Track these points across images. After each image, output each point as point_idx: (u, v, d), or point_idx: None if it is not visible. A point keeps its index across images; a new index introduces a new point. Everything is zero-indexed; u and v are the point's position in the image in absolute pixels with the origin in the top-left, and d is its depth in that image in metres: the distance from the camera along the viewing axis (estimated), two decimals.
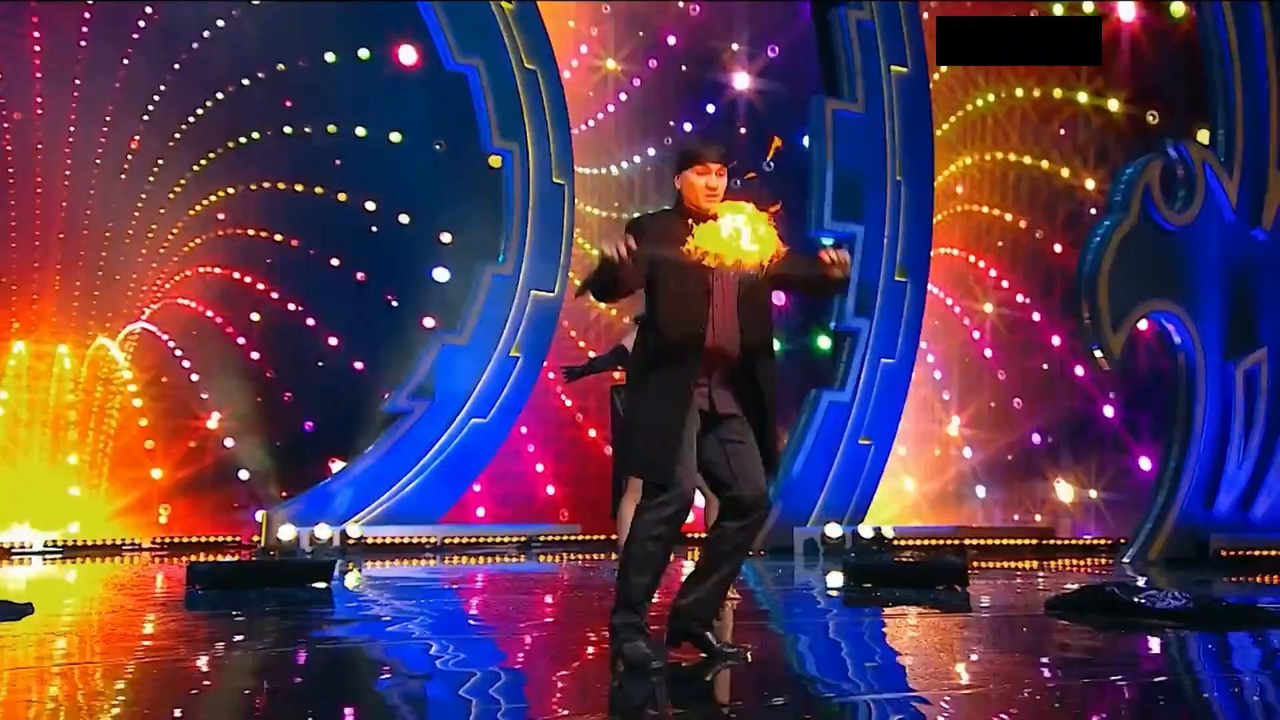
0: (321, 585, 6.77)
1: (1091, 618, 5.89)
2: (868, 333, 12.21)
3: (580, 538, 12.92)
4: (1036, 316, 13.25)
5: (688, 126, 14.35)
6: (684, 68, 14.44)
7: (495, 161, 12.48)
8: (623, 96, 14.28)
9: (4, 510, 11.52)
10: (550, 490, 13.73)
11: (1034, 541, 12.64)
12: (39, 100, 12.31)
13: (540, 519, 13.22)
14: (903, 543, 11.88)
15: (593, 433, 13.79)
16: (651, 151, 14.42)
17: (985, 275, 13.64)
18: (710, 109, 14.50)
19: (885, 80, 12.41)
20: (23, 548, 11.23)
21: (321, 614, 6.33)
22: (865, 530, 11.68)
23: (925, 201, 12.73)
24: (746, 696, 3.95)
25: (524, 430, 13.14)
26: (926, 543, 12.10)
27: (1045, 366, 13.29)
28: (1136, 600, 6.07)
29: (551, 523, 13.19)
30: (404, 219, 13.41)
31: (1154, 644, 5.34)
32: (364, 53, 13.36)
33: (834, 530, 11.45)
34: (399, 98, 13.09)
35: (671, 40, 14.45)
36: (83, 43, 12.41)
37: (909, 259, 12.49)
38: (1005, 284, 13.52)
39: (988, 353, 13.68)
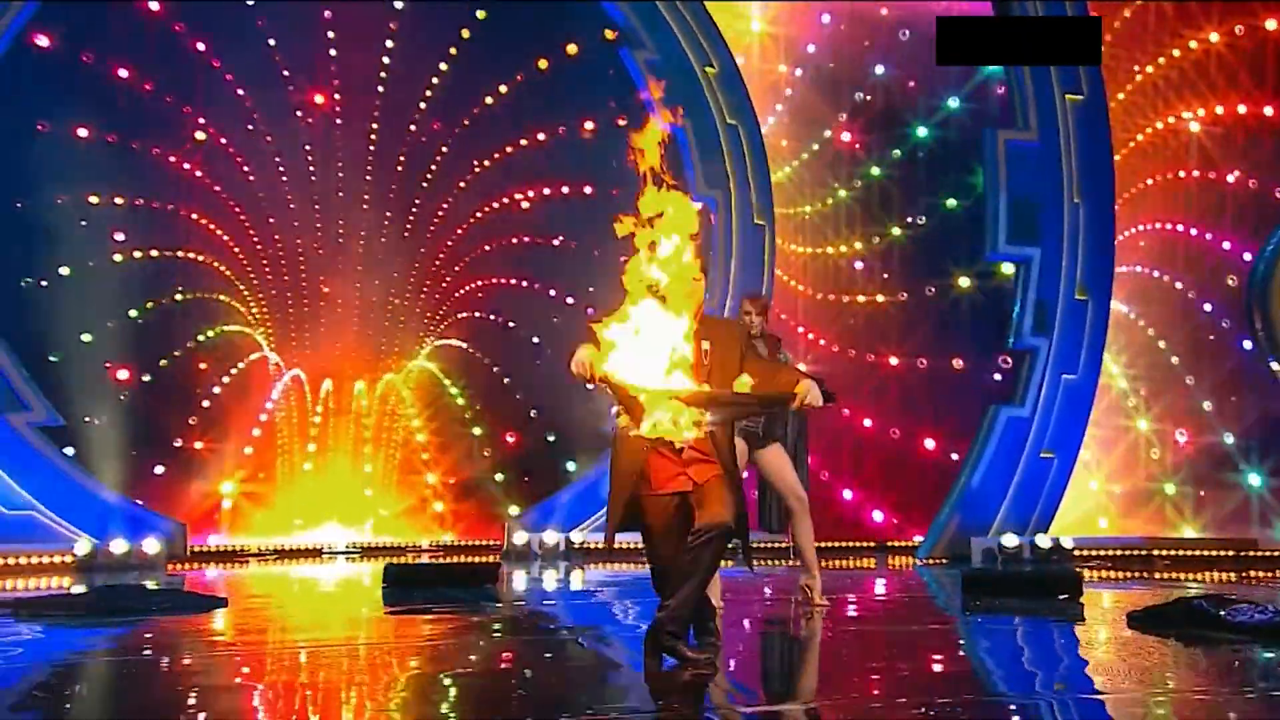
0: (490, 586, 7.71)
1: (1170, 631, 5.78)
2: (1047, 350, 12.06)
3: (784, 544, 13.38)
4: (1226, 324, 12.58)
5: (875, 170, 14.60)
6: (872, 117, 14.67)
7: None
8: (815, 147, 14.70)
9: (319, 510, 13.50)
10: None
11: (1231, 553, 11.97)
12: (339, 166, 14.23)
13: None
14: (1084, 553, 11.62)
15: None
16: (842, 193, 14.73)
17: (1171, 287, 13.07)
18: (896, 154, 14.68)
19: (1060, 108, 12.23)
20: (330, 549, 13.06)
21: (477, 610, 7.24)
22: (1043, 541, 11.53)
23: (1106, 221, 12.45)
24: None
25: None
26: (1110, 553, 11.76)
27: (1236, 368, 12.63)
28: (1220, 614, 5.94)
29: (754, 530, 13.68)
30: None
31: (1209, 658, 5.27)
32: (623, 121, 14.36)
33: (1010, 540, 11.39)
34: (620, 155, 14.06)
35: (859, 96, 14.72)
36: (376, 101, 14.26)
37: (1090, 278, 12.24)
38: (1191, 294, 12.91)
39: (1174, 360, 13.12)
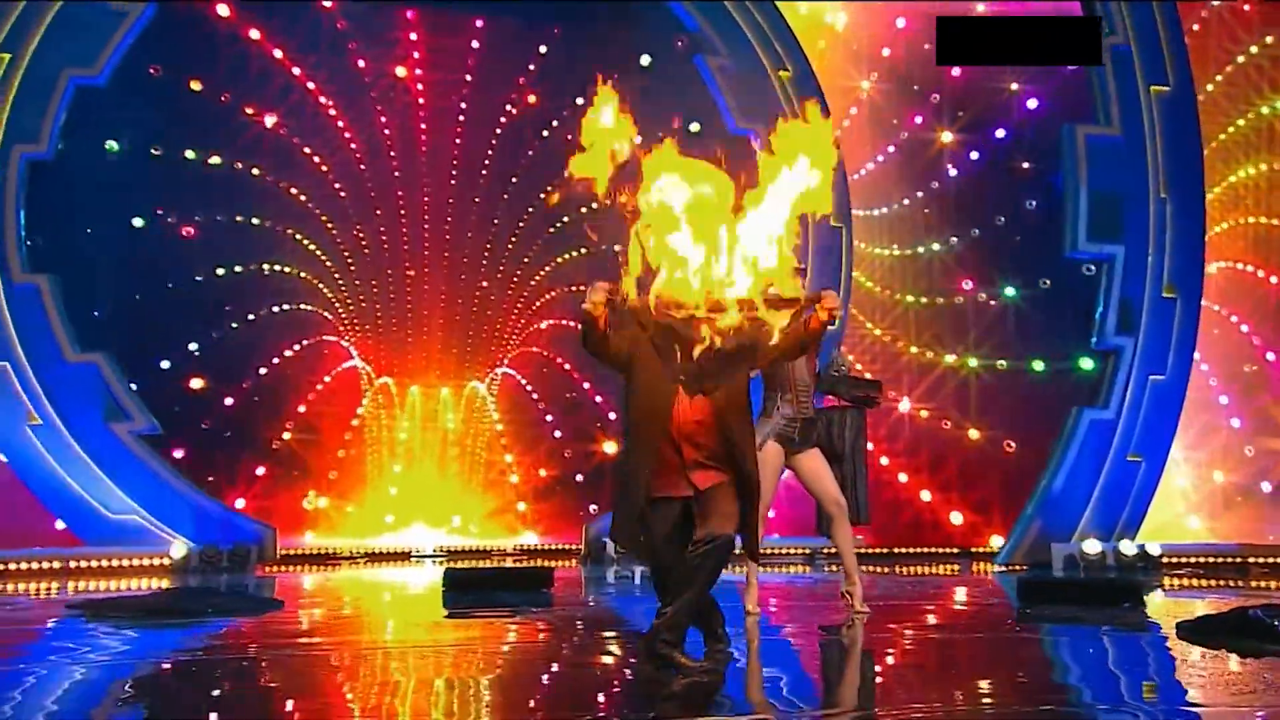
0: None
1: (1219, 641, 5.54)
2: (1132, 350, 11.60)
3: (866, 550, 13.20)
4: None
5: (953, 172, 14.28)
6: (960, 113, 14.33)
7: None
8: (891, 148, 14.46)
9: (408, 511, 13.88)
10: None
11: None
12: (424, 179, 14.59)
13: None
14: (1172, 560, 11.16)
15: (869, 445, 14.02)
16: (919, 194, 14.45)
17: (1265, 282, 12.43)
18: (974, 155, 14.32)
19: (1144, 101, 11.76)
20: (418, 552, 13.39)
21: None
22: (1128, 547, 11.11)
23: (1195, 216, 11.91)
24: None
25: None
26: (1201, 560, 11.26)
27: None
28: (1275, 624, 5.71)
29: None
30: None
31: (1243, 668, 5.05)
32: (695, 126, 14.43)
33: (1093, 546, 11.01)
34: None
35: (935, 99, 14.41)
36: (460, 116, 14.59)
37: (1178, 275, 11.73)
38: None
39: (1270, 356, 12.47)
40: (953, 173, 14.30)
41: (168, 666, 4.98)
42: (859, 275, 13.81)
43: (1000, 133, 14.12)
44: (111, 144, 12.79)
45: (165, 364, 12.92)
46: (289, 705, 4.39)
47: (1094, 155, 11.64)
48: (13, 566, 11.08)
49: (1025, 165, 13.75)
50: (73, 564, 11.16)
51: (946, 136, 14.32)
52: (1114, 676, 5.05)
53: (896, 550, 13.26)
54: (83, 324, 11.96)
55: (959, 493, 13.69)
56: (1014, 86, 13.90)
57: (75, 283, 11.92)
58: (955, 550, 13.35)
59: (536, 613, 7.08)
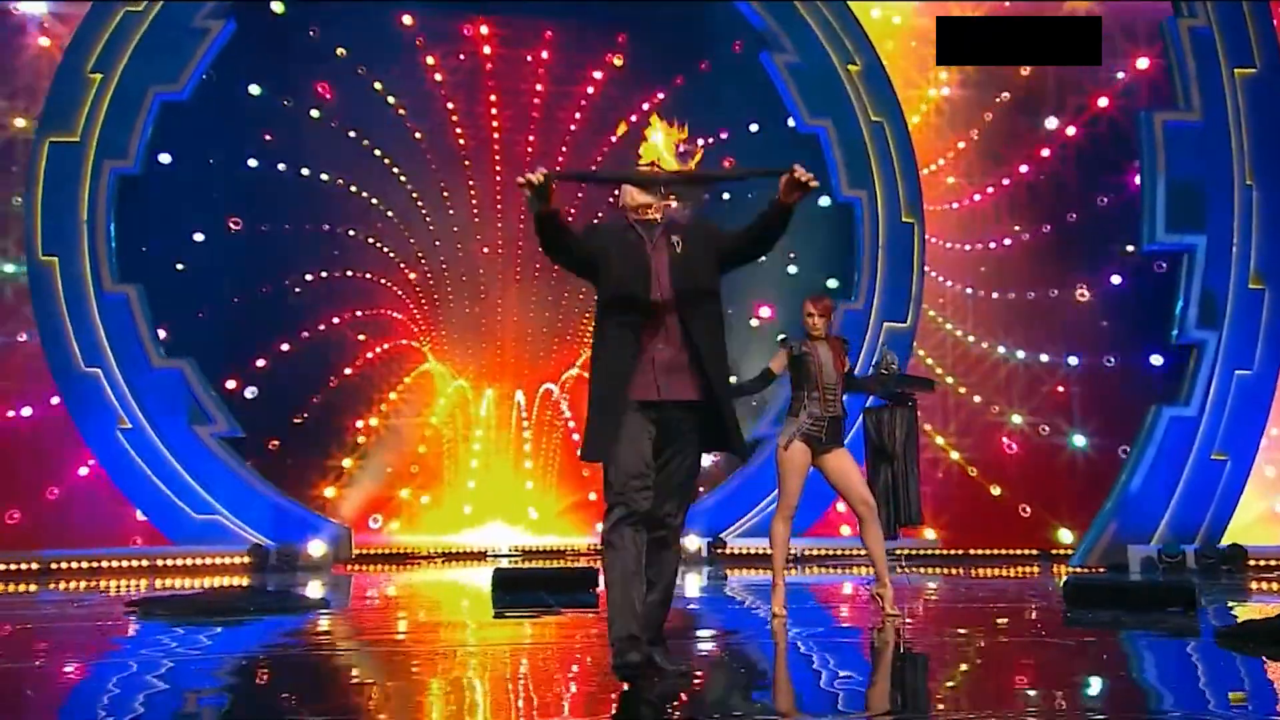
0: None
1: (1258, 648, 5.24)
2: (1216, 345, 11.05)
3: (941, 552, 12.91)
4: None
5: (1023, 169, 13.84)
6: (1022, 112, 13.90)
7: None
8: (974, 134, 14.07)
9: (486, 508, 14.03)
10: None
11: None
12: (498, 184, 14.71)
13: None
14: (1263, 563, 10.60)
15: (940, 440, 13.70)
16: (1006, 181, 14.03)
17: None
18: (1045, 152, 13.86)
19: (1228, 84, 11.20)
20: (494, 551, 13.52)
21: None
22: (1211, 549, 10.58)
23: None
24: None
25: None
26: None
27: None
28: None
29: (912, 537, 13.24)
30: (792, 270, 13.99)
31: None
32: (754, 127, 14.31)
33: (1173, 548, 10.52)
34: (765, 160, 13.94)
35: (1006, 96, 13.98)
36: (533, 119, 14.68)
37: (1265, 265, 11.13)
38: None
39: None
40: (1024, 169, 13.87)
41: (170, 665, 5.07)
42: (930, 270, 13.48)
43: (1070, 130, 13.68)
44: (201, 157, 13.19)
45: (250, 367, 13.26)
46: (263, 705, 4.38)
47: (1172, 142, 11.13)
48: (104, 564, 11.53)
49: (1101, 157, 13.24)
50: (159, 562, 11.56)
51: (1020, 130, 13.90)
52: (1117, 682, 4.79)
53: (973, 552, 12.92)
54: (172, 329, 12.42)
55: (1030, 490, 13.28)
56: (1086, 83, 13.41)
57: (161, 291, 12.36)
58: (1034, 552, 12.94)
59: (568, 614, 7.04)
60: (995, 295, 13.92)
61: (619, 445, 4.07)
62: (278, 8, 13.34)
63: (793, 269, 13.93)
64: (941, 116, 14.06)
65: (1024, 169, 13.90)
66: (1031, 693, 4.56)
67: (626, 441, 4.08)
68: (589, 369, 4.29)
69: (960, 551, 12.86)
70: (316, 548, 11.63)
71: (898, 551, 12.75)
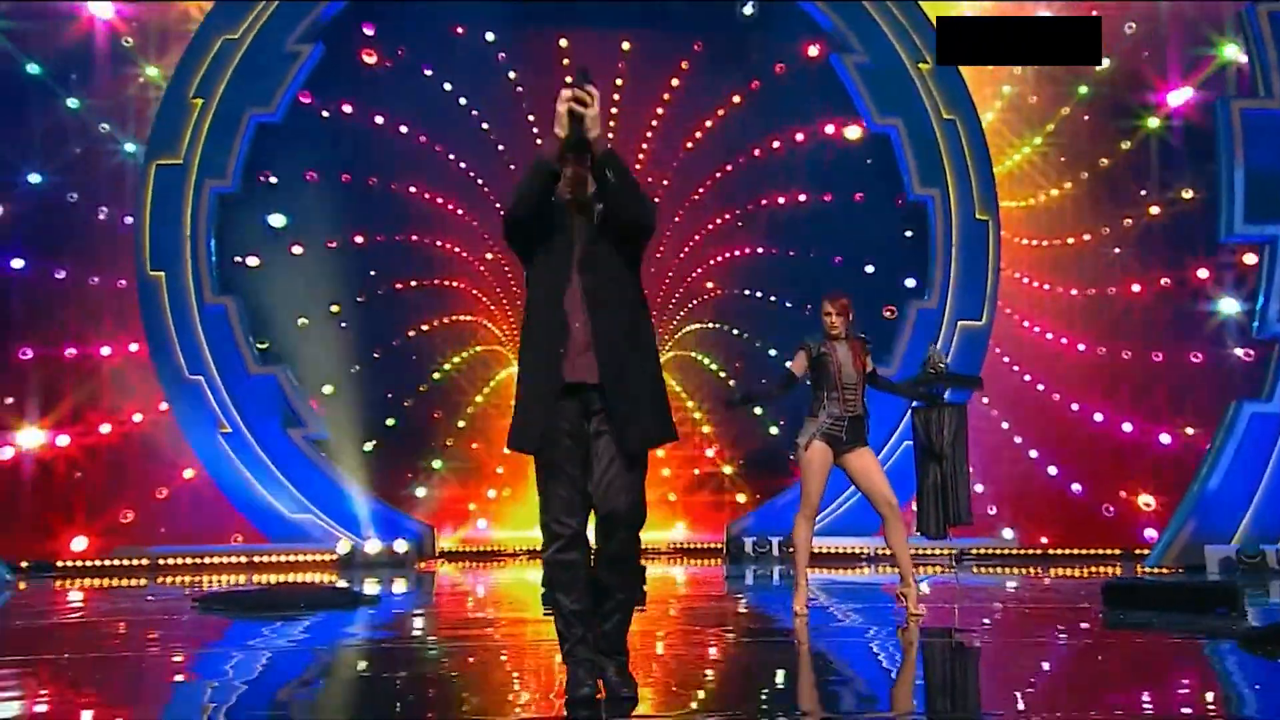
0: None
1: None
2: None
3: (1014, 552, 12.67)
4: None
5: (1104, 161, 13.45)
6: (1100, 107, 13.49)
7: None
8: (1036, 141, 13.76)
9: None
10: (992, 510, 13.37)
11: None
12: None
13: (971, 531, 13.05)
14: None
15: (1018, 439, 13.42)
16: (1069, 185, 13.69)
17: None
18: (1125, 145, 13.43)
19: None
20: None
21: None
22: None
23: None
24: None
25: None
26: None
27: None
28: None
29: (985, 536, 12.98)
30: (869, 269, 13.82)
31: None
32: (830, 128, 14.25)
33: (1253, 549, 10.13)
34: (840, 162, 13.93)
35: (1084, 89, 13.60)
36: (610, 127, 14.90)
37: None
38: None
39: None
40: (1104, 162, 13.50)
41: (178, 659, 5.33)
42: (1005, 267, 13.24)
43: (1153, 122, 13.24)
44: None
45: (345, 373, 13.78)
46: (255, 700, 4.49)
47: (1251, 131, 10.71)
48: (207, 560, 12.17)
49: (1179, 150, 12.82)
50: (256, 559, 12.14)
51: (1096, 126, 13.53)
52: (1119, 683, 4.67)
53: (1052, 552, 12.65)
54: (270, 338, 13.02)
55: (1114, 488, 12.92)
56: (1165, 78, 12.98)
57: (258, 302, 12.97)
58: (1117, 551, 12.60)
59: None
60: (1074, 291, 13.58)
61: (548, 474, 3.85)
62: (368, 30, 13.81)
63: (870, 269, 13.82)
64: (1018, 112, 13.78)
65: (1104, 162, 13.50)
66: (982, 693, 4.50)
67: (555, 468, 3.84)
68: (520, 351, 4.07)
69: (1037, 550, 12.60)
70: (401, 545, 12.05)
71: (955, 551, 12.61)
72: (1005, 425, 13.39)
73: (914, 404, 7.37)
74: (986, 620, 7.04)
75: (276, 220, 13.29)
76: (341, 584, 9.28)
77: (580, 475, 3.85)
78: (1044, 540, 12.83)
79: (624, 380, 3.87)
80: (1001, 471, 13.20)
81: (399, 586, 9.88)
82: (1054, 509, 12.92)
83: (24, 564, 11.66)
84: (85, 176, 12.92)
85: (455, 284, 14.65)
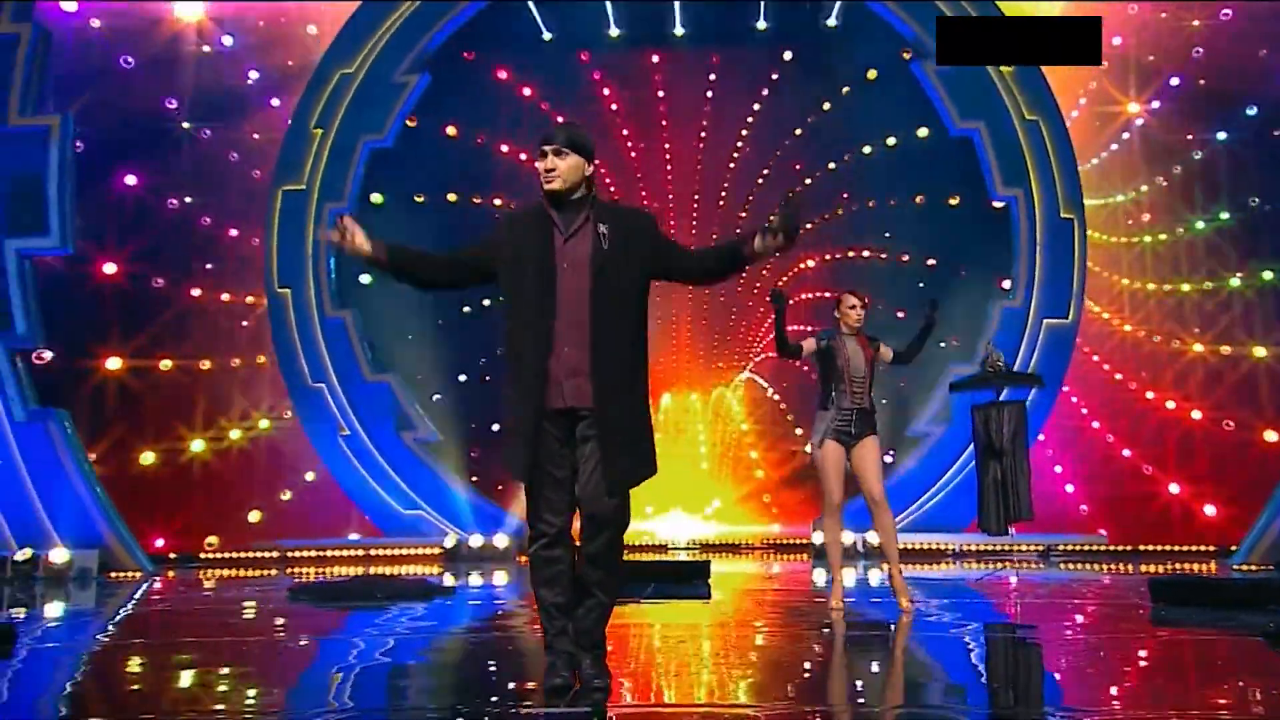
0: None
1: None
2: None
3: (1105, 547, 12.55)
4: None
5: (1196, 155, 13.18)
6: (1202, 81, 13.21)
7: None
8: (1125, 134, 13.57)
9: (667, 499, 14.80)
10: (1084, 509, 13.23)
11: None
12: (670, 197, 15.44)
13: (1060, 528, 12.98)
14: None
15: (1111, 437, 13.26)
16: (1178, 169, 13.45)
17: None
18: (1222, 135, 13.11)
19: None
20: (672, 544, 14.25)
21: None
22: None
23: None
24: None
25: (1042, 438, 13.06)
26: None
27: None
28: None
29: (1075, 533, 12.87)
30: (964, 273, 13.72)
31: None
32: (923, 130, 14.34)
33: None
34: (923, 165, 14.00)
35: (1175, 81, 13.36)
36: (701, 137, 15.33)
37: None
38: None
39: None
40: (1197, 155, 13.26)
41: (223, 647, 5.85)
42: (1091, 264, 13.14)
43: (1251, 109, 12.95)
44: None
45: (453, 380, 14.54)
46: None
47: None
48: (328, 554, 13.09)
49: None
50: (372, 552, 13.00)
51: (1184, 123, 13.30)
52: (1119, 681, 4.59)
53: (1143, 548, 12.50)
54: (384, 348, 13.90)
55: (1212, 486, 12.67)
56: (1261, 72, 12.68)
57: (374, 315, 13.85)
58: (1211, 548, 12.37)
59: (645, 604, 7.18)
60: (1167, 288, 13.37)
61: (535, 479, 3.89)
62: (469, 56, 14.59)
63: (964, 271, 13.86)
64: (1100, 110, 13.65)
65: (1197, 155, 13.25)
66: (965, 688, 4.46)
67: (541, 472, 3.88)
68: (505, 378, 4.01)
69: (1129, 548, 12.48)
70: (501, 540, 12.73)
71: (1062, 546, 12.58)
72: (1095, 424, 13.27)
73: (974, 402, 7.52)
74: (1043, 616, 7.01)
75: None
76: (428, 576, 9.87)
77: (568, 476, 3.90)
78: (1133, 539, 12.67)
79: (615, 410, 3.88)
80: (1093, 471, 13.10)
81: (498, 578, 10.40)
82: (1149, 509, 12.74)
83: (171, 555, 12.74)
84: (216, 199, 13.97)
85: None
